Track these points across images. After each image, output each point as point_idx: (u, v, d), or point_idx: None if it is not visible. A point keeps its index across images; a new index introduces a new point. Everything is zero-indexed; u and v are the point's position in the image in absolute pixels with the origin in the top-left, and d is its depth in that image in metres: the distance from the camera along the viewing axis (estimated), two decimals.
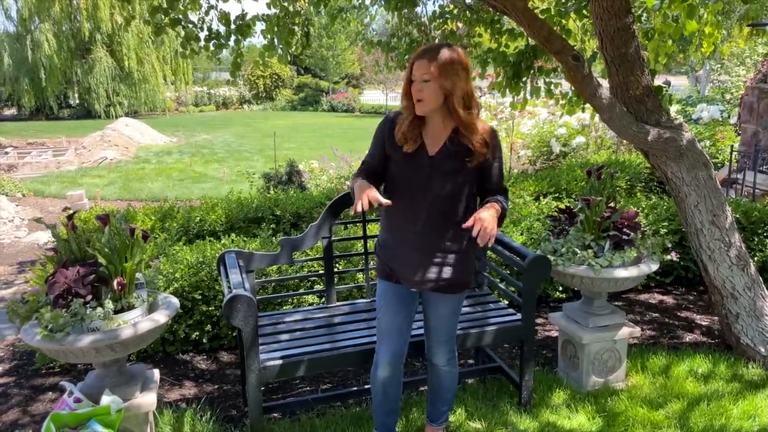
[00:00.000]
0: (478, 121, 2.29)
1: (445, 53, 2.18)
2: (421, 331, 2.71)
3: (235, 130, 20.30)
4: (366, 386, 3.17)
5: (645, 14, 3.82)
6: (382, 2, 5.19)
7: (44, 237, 6.49)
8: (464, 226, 2.16)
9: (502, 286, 3.29)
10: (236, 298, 2.45)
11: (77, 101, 25.72)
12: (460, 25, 5.60)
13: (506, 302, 3.40)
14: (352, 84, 36.62)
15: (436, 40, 5.31)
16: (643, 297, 4.51)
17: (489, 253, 3.42)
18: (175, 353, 3.70)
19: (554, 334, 3.91)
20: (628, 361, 3.34)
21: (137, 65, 23.99)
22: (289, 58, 5.39)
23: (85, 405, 2.42)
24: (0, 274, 5.38)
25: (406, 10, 5.20)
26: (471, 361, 3.60)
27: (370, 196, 2.15)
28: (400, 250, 2.40)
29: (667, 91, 3.57)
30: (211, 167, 11.99)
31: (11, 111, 25.44)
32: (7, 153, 14.56)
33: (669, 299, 4.48)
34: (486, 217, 2.14)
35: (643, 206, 4.83)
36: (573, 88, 3.88)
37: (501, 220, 2.31)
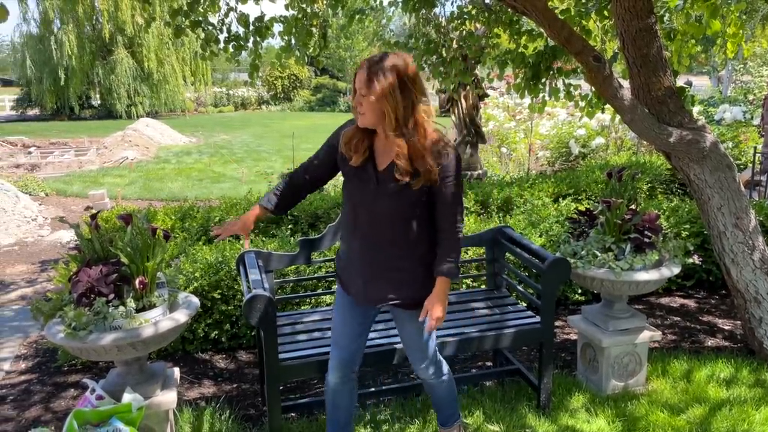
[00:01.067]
0: (428, 137, 2.11)
1: (383, 66, 2.01)
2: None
3: (253, 130, 20.44)
4: (383, 387, 3.18)
5: (667, 14, 3.77)
6: (400, 3, 5.19)
7: (67, 236, 6.58)
8: (420, 318, 2.22)
9: (520, 288, 3.27)
10: (256, 298, 2.46)
11: (99, 102, 26.06)
12: (478, 26, 5.59)
13: (524, 304, 3.38)
14: None
15: (454, 42, 5.30)
16: (663, 300, 4.46)
17: (507, 255, 3.40)
18: (195, 352, 3.73)
19: (573, 336, 3.88)
20: (648, 365, 3.31)
21: (157, 66, 24.26)
22: (305, 60, 5.42)
23: (107, 402, 2.45)
24: (23, 272, 5.46)
25: (424, 11, 5.20)
26: (489, 364, 3.59)
27: (231, 230, 2.42)
28: (349, 263, 2.36)
29: (688, 91, 3.53)
30: (229, 167, 12.08)
31: (34, 111, 25.84)
32: (30, 153, 14.80)
33: (690, 303, 4.42)
34: (431, 308, 2.19)
35: (664, 208, 4.78)
36: (593, 90, 3.85)
37: (453, 271, 2.21)
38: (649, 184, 6.34)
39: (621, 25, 3.12)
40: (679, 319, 4.13)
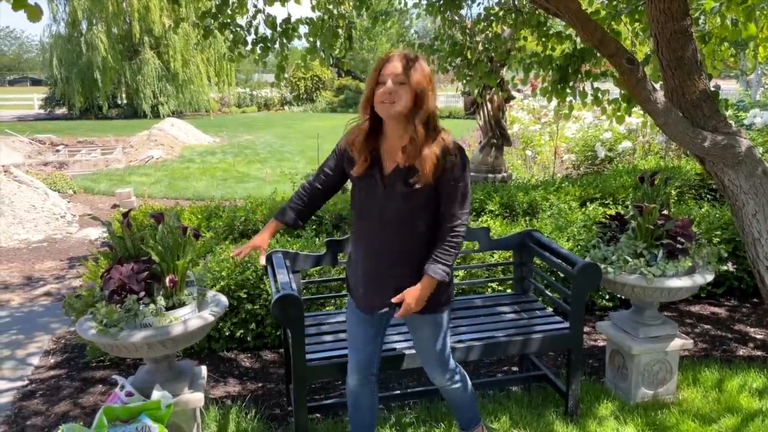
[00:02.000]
0: (438, 140, 2.10)
1: (422, 61, 2.07)
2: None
3: (276, 131, 20.57)
4: (409, 390, 3.16)
5: (702, 17, 3.70)
6: (425, 5, 5.17)
7: (95, 233, 6.68)
8: (393, 300, 2.18)
9: (548, 292, 3.23)
10: (285, 298, 2.46)
11: (125, 101, 26.45)
12: (505, 28, 5.54)
13: (551, 309, 3.34)
14: None
15: (480, 44, 5.26)
16: (693, 308, 4.38)
17: (535, 259, 3.36)
18: (220, 350, 3.76)
19: (600, 343, 3.82)
20: (679, 373, 3.25)
21: (183, 66, 24.55)
22: (331, 61, 5.43)
23: (137, 399, 2.48)
24: (51, 268, 5.55)
25: (449, 13, 5.18)
26: (515, 369, 3.55)
27: (248, 248, 2.37)
28: (356, 269, 2.32)
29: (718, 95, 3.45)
30: (253, 167, 12.16)
31: (62, 110, 26.32)
32: (58, 151, 15.07)
33: (721, 311, 4.33)
34: (408, 299, 2.15)
35: (695, 214, 4.69)
36: (622, 94, 3.80)
37: (443, 274, 2.16)
38: (678, 190, 6.23)
39: (655, 27, 3.07)
40: (709, 327, 4.05)
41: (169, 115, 22.32)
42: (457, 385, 2.51)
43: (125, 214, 2.59)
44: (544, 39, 4.72)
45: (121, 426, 2.40)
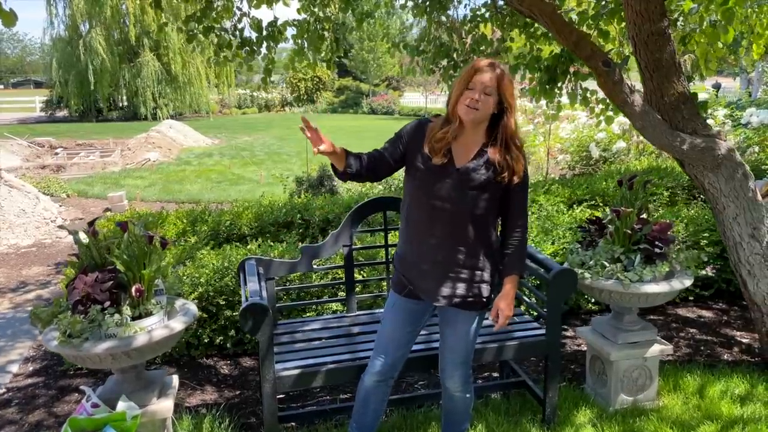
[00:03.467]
0: (519, 149, 2.29)
1: (507, 71, 2.22)
2: (416, 346, 2.64)
3: (275, 132, 20.56)
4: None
5: (681, 18, 3.66)
6: (411, 6, 5.14)
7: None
8: (491, 318, 2.33)
9: (526, 298, 3.19)
10: (251, 308, 2.44)
11: (125, 103, 26.48)
12: (495, 29, 5.51)
13: (532, 315, 3.30)
14: (393, 86, 36.69)
15: (467, 45, 5.23)
16: (680, 311, 4.33)
17: None
18: (199, 357, 3.73)
19: (584, 348, 3.78)
20: (660, 379, 3.21)
21: (182, 68, 24.55)
22: (318, 64, 5.39)
23: (102, 410, 2.45)
24: (39, 273, 5.54)
25: (436, 14, 5.14)
26: (495, 375, 3.52)
27: (318, 139, 2.17)
28: (418, 263, 2.34)
29: (715, 94, 3.42)
30: (249, 170, 12.14)
31: (63, 113, 26.37)
32: (57, 154, 15.08)
33: (708, 314, 4.28)
34: (503, 307, 2.30)
35: (683, 216, 4.65)
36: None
37: (522, 268, 2.39)
38: (671, 191, 6.18)
39: (632, 29, 3.03)
40: (695, 330, 4.01)
41: (168, 117, 22.34)
42: (468, 395, 2.52)
43: (91, 223, 2.57)
44: (532, 40, 4.68)
45: None
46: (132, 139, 15.45)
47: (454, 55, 5.19)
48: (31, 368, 3.66)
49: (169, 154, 14.37)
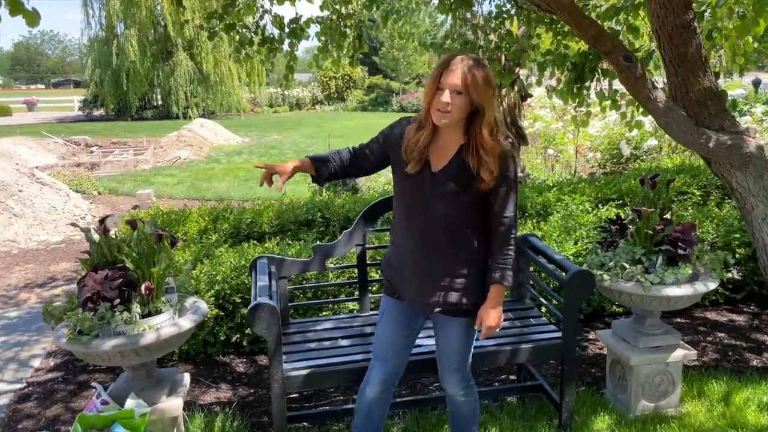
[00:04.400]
0: (496, 146, 2.10)
1: (481, 66, 2.04)
2: (430, 348, 2.59)
3: (305, 130, 20.66)
4: (398, 399, 3.08)
5: (708, 11, 3.51)
6: (435, 3, 5.07)
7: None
8: (475, 326, 2.23)
9: (543, 300, 3.11)
10: (258, 307, 2.42)
11: (159, 102, 26.97)
12: (522, 26, 5.40)
13: (549, 317, 3.22)
14: (423, 84, 36.51)
15: (493, 42, 5.14)
16: (709, 314, 4.18)
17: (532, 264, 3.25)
18: (216, 355, 3.74)
19: (605, 351, 3.67)
20: (683, 385, 3.09)
21: (214, 68, 24.88)
22: (341, 61, 5.37)
23: (112, 407, 2.46)
24: (66, 269, 5.65)
25: (460, 11, 5.06)
26: (513, 377, 3.44)
27: (270, 174, 2.37)
28: (402, 268, 2.28)
29: (754, 91, 3.27)
30: None
31: (100, 112, 26.98)
32: (92, 152, 15.44)
33: (739, 318, 4.12)
34: (485, 317, 2.19)
35: (714, 216, 4.49)
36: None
37: (507, 277, 2.20)
38: (703, 190, 5.98)
39: (656, 22, 2.92)
40: (724, 335, 3.86)
41: (200, 116, 22.66)
42: (470, 398, 2.45)
43: (101, 220, 2.58)
44: (559, 37, 4.56)
45: None
46: (164, 137, 15.70)
47: (479, 53, 5.11)
48: (52, 363, 3.73)
49: (199, 152, 14.56)
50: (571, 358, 2.79)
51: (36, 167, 10.44)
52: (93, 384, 2.58)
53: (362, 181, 7.53)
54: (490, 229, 2.19)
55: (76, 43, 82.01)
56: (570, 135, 8.86)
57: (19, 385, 3.45)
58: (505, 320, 3.05)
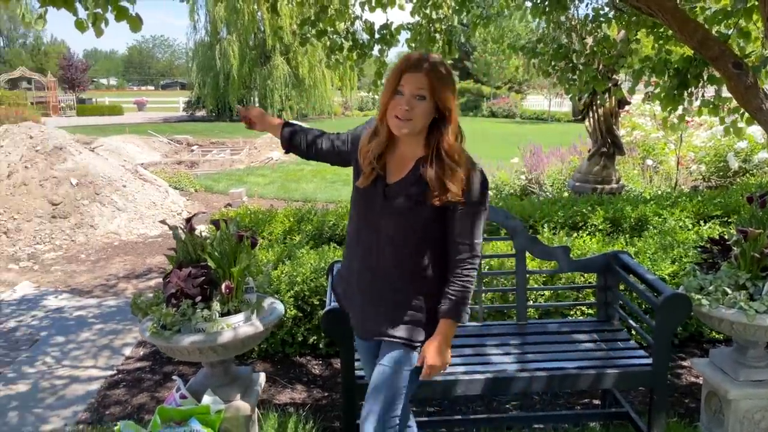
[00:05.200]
0: (463, 154, 1.86)
1: (445, 65, 1.83)
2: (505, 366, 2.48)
3: None
4: (472, 416, 2.99)
5: None
6: (529, 6, 4.92)
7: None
8: (418, 363, 1.90)
9: (632, 322, 2.92)
10: (332, 312, 2.41)
11: (256, 104, 28.07)
12: (621, 30, 5.15)
13: (638, 341, 3.02)
14: (515, 89, 35.83)
15: (588, 47, 4.92)
16: None
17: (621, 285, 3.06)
18: (293, 355, 3.79)
19: (702, 381, 3.40)
20: None
21: (308, 72, 25.62)
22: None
23: (189, 402, 2.53)
24: (161, 262, 5.95)
25: (554, 14, 4.89)
26: (597, 402, 3.25)
27: (250, 115, 2.26)
28: (349, 288, 2.08)
29: None
30: None
31: (202, 113, 28.48)
32: (192, 151, 16.29)
33: None
34: (430, 354, 1.86)
35: None
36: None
37: (460, 312, 1.87)
38: None
39: None
40: None
41: (294, 118, 23.35)
42: None
43: (188, 219, 2.67)
44: (660, 41, 4.30)
45: (174, 428, 2.46)
46: (259, 138, 16.27)
47: (573, 57, 4.91)
48: (141, 352, 3.92)
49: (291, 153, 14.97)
50: (661, 386, 2.60)
51: (141, 164, 11.13)
52: (174, 377, 2.67)
53: None
54: (450, 254, 1.89)
55: (183, 47, 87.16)
56: (671, 145, 8.35)
57: (110, 372, 3.64)
58: (589, 341, 2.90)
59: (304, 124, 2.36)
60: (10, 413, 3.18)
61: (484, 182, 1.88)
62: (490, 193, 7.28)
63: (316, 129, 2.27)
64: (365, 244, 1.96)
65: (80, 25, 2.93)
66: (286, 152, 2.32)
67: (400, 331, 1.92)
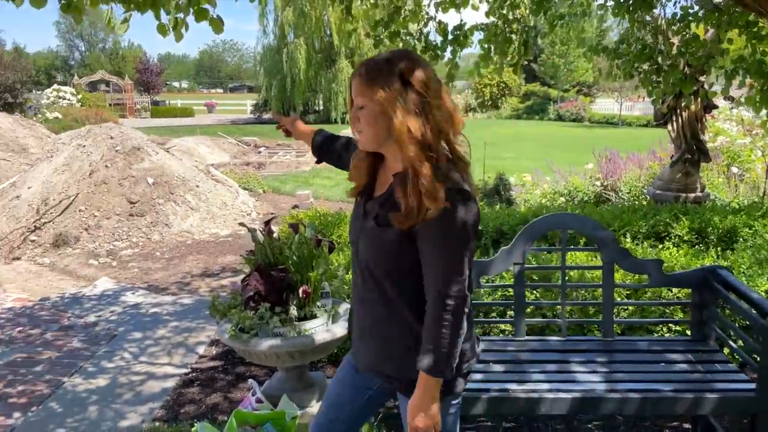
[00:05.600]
0: (432, 171, 1.49)
1: (374, 63, 1.55)
2: (593, 386, 2.33)
3: None
4: None
5: None
6: (611, 6, 4.72)
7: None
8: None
9: (731, 342, 2.70)
10: None
11: (321, 107, 28.47)
12: (709, 29, 4.87)
13: (736, 363, 2.80)
14: (584, 92, 34.86)
15: (675, 47, 4.66)
16: None
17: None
18: None
19: None
20: None
21: None
22: (504, 68, 5.19)
23: (265, 407, 2.51)
24: (231, 262, 6.04)
25: (639, 13, 4.66)
26: (687, 426, 3.04)
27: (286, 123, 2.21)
28: (351, 314, 1.86)
29: None
30: None
31: (268, 115, 29.10)
32: (259, 152, 16.62)
33: None
34: (413, 416, 1.57)
35: None
36: None
37: (435, 364, 1.52)
38: None
39: None
40: None
41: None
42: None
43: (267, 222, 2.66)
44: (754, 41, 4.03)
45: (250, 431, 2.45)
46: None
47: (659, 59, 4.67)
48: (214, 351, 3.95)
49: None
50: (765, 414, 2.38)
51: (211, 165, 11.41)
52: (249, 381, 2.65)
53: (518, 191, 7.23)
54: (425, 289, 1.58)
55: (251, 51, 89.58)
56: (759, 152, 7.85)
57: (184, 370, 3.69)
58: (684, 361, 2.70)
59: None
60: (90, 407, 3.26)
61: (464, 210, 1.51)
62: (561, 199, 7.02)
63: (344, 137, 2.14)
64: (354, 269, 1.77)
65: (162, 30, 2.98)
66: (317, 162, 2.20)
67: (396, 373, 1.67)
